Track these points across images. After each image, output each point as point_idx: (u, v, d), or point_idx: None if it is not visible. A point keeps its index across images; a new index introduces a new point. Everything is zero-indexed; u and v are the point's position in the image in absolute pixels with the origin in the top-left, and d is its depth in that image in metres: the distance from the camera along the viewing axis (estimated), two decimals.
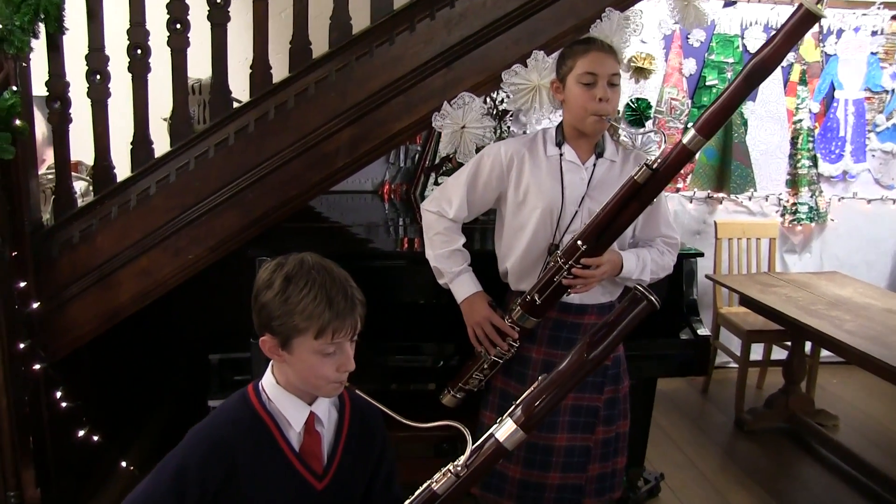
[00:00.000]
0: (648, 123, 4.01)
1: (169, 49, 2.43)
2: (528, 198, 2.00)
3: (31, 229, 2.41)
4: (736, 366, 3.82)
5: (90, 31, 2.40)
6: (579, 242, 1.88)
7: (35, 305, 2.29)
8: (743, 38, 4.05)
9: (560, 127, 2.04)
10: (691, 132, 1.78)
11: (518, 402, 1.35)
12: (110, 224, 2.47)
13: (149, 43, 2.43)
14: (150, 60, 2.45)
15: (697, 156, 4.05)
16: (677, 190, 4.16)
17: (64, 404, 2.40)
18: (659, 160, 1.80)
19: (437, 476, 1.33)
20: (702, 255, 2.68)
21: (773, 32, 1.71)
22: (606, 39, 2.53)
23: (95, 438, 2.48)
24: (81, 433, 2.43)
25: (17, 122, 2.27)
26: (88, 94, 2.44)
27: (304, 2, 2.46)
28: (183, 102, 2.48)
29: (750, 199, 4.23)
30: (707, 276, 3.76)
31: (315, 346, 1.31)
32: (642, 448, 2.87)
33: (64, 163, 2.47)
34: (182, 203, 2.49)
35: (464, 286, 2.05)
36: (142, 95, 2.46)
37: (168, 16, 2.40)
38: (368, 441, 1.49)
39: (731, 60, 4.05)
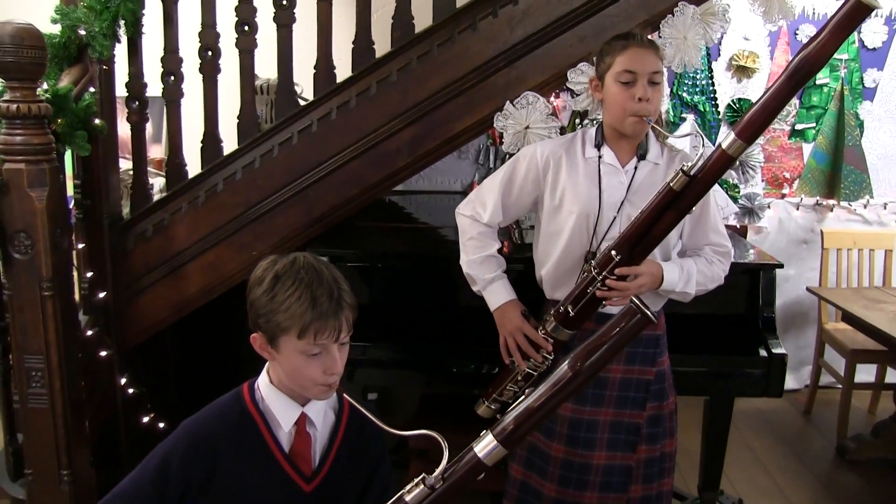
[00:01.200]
0: None
1: (237, 50, 2.50)
2: (564, 202, 1.90)
3: (110, 222, 2.55)
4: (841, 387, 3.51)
5: (165, 35, 2.50)
6: (613, 253, 1.76)
7: (102, 294, 2.41)
8: (860, 32, 3.72)
9: (601, 128, 1.92)
10: (731, 136, 1.63)
11: (504, 416, 1.28)
12: (181, 219, 2.57)
13: (219, 45, 2.50)
14: (220, 62, 2.53)
15: (805, 160, 3.78)
16: (783, 196, 3.88)
17: (131, 390, 2.52)
18: (697, 166, 1.66)
19: (409, 486, 1.28)
20: (781, 266, 2.46)
21: (822, 26, 1.53)
22: (679, 35, 2.41)
23: (161, 425, 2.58)
24: (146, 419, 2.54)
25: (97, 121, 2.40)
26: (163, 94, 2.54)
27: (367, 1, 2.46)
28: (250, 102, 2.55)
29: (865, 206, 3.88)
30: (808, 289, 3.48)
31: (299, 346, 1.29)
32: (718, 470, 2.67)
33: (140, 159, 2.59)
34: (247, 200, 2.55)
35: (496, 294, 1.96)
36: (212, 95, 2.54)
37: (236, 18, 2.46)
38: (363, 451, 1.45)
39: (845, 57, 3.73)
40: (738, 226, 3.80)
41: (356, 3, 2.46)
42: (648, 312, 1.26)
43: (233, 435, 1.37)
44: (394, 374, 2.48)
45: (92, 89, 2.38)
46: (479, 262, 1.98)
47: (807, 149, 3.84)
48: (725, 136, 1.64)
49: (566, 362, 1.29)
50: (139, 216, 2.59)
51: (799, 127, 3.81)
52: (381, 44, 2.51)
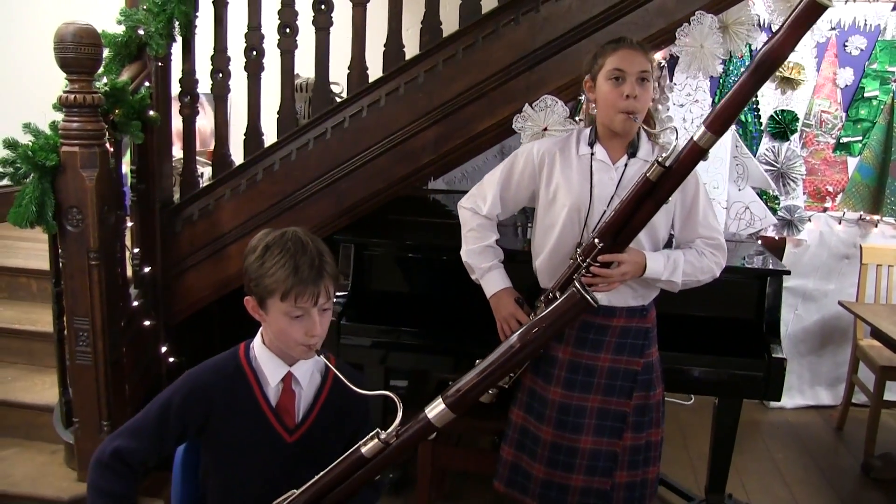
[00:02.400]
0: (794, 137, 3.75)
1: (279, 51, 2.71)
2: (558, 196, 2.01)
3: (161, 205, 2.79)
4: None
5: (216, 35, 2.73)
6: (596, 240, 1.87)
7: (147, 269, 2.66)
8: None
9: (595, 127, 2.03)
10: (701, 129, 1.72)
11: (454, 382, 1.41)
12: (224, 205, 2.80)
13: (263, 45, 2.72)
14: (263, 61, 2.75)
15: (850, 173, 3.75)
16: (825, 209, 3.84)
17: (172, 359, 2.76)
18: (672, 157, 1.75)
19: (365, 440, 1.42)
20: (788, 272, 2.51)
21: (782, 23, 1.61)
22: (696, 44, 2.49)
23: None
24: None
25: (151, 113, 2.66)
26: (211, 90, 2.78)
27: (399, 7, 2.63)
28: (290, 98, 2.75)
29: None
30: (840, 304, 3.45)
31: (283, 308, 1.46)
32: (724, 472, 2.70)
33: (190, 149, 2.83)
34: (283, 190, 2.75)
35: (492, 282, 2.10)
36: (255, 92, 2.75)
37: (279, 21, 2.67)
38: (346, 412, 1.60)
39: None
40: (776, 237, 3.79)
41: (388, 7, 2.63)
42: (589, 298, 1.38)
43: (226, 386, 1.54)
44: (424, 358, 2.64)
45: (147, 84, 2.63)
46: (478, 252, 2.11)
47: (852, 163, 3.79)
48: (697, 129, 1.73)
49: (516, 335, 1.43)
50: (187, 201, 2.82)
51: (844, 140, 3.77)
52: (413, 48, 2.67)
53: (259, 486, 1.53)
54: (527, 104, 2.54)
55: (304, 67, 2.84)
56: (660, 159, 1.76)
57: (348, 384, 1.47)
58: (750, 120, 3.72)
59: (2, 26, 3.96)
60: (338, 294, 2.65)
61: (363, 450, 1.43)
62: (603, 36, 2.48)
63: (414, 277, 2.73)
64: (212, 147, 3.03)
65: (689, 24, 2.44)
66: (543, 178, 2.05)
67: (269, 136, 2.82)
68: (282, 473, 1.52)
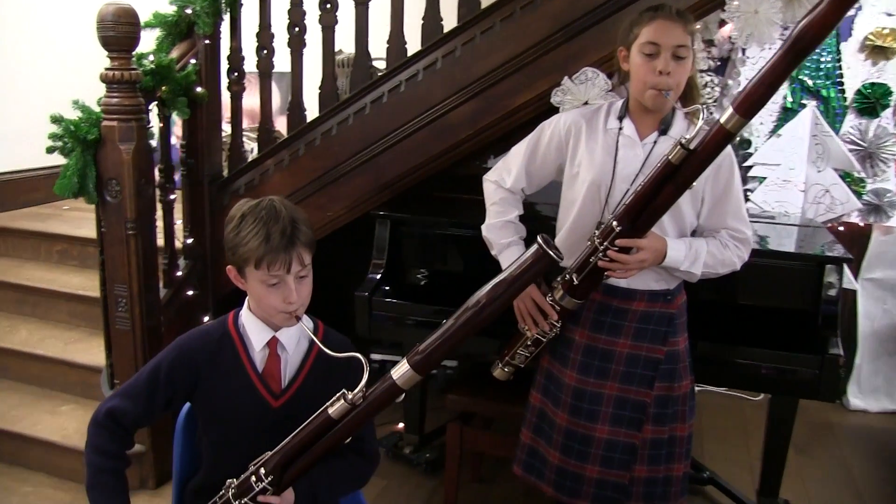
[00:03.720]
0: (886, 113, 3.44)
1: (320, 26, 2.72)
2: (581, 171, 1.91)
3: (209, 180, 2.88)
4: None
5: (261, 12, 2.78)
6: (614, 223, 1.76)
7: (190, 241, 2.74)
8: None
9: (627, 100, 1.92)
10: (729, 111, 1.58)
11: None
12: (268, 179, 2.85)
13: (305, 22, 2.74)
14: (306, 37, 2.77)
15: None
16: None
17: None
18: (696, 139, 1.62)
19: (332, 400, 1.42)
20: (850, 259, 2.29)
21: None
22: (749, 9, 2.31)
23: None
24: None
25: (198, 89, 2.73)
26: (257, 66, 2.82)
27: None
28: (330, 74, 2.76)
29: None
30: None
31: (258, 276, 1.47)
32: (777, 476, 2.52)
33: (237, 125, 2.89)
34: (324, 165, 2.78)
35: (510, 259, 1.98)
36: (297, 67, 2.78)
37: None
38: (333, 378, 1.58)
39: None
40: (860, 224, 3.50)
41: None
42: (552, 253, 1.33)
43: (213, 351, 1.57)
44: (474, 340, 2.56)
45: (193, 61, 2.70)
46: (499, 226, 2.04)
47: None
48: (724, 111, 1.60)
49: (483, 291, 1.38)
50: (234, 175, 2.89)
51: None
52: (452, 21, 2.61)
53: (247, 449, 1.55)
54: (566, 77, 2.44)
55: (348, 43, 2.83)
56: (683, 140, 1.64)
57: (317, 342, 1.48)
58: (833, 95, 3.44)
59: (59, 5, 4.11)
60: (371, 270, 2.65)
61: (330, 411, 1.42)
62: (646, 4, 2.34)
63: (451, 255, 2.69)
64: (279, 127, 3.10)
65: None
66: (569, 150, 1.96)
67: (314, 112, 2.84)
68: (269, 437, 1.53)
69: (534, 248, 1.37)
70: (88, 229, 3.30)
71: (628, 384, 1.93)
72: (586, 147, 1.92)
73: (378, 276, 2.64)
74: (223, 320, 1.62)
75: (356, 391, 1.41)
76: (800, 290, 2.35)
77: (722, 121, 1.61)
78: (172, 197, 2.69)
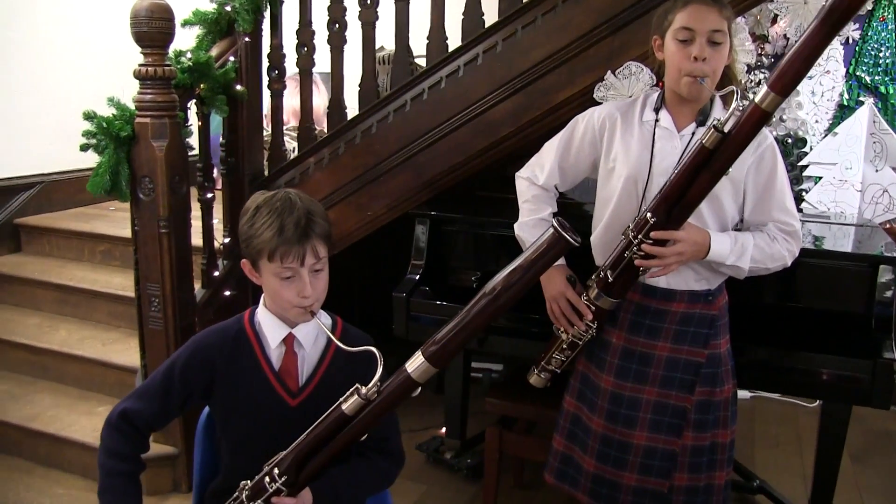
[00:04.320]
0: None
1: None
2: (616, 165, 1.83)
3: (250, 178, 2.86)
4: None
5: (301, 9, 2.75)
6: (648, 215, 1.68)
7: (227, 240, 2.73)
8: None
9: (663, 91, 1.83)
10: (763, 89, 1.49)
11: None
12: (308, 178, 2.82)
13: (346, 18, 2.71)
14: (348, 34, 2.73)
15: None
16: None
17: None
18: (731, 122, 1.54)
19: (345, 396, 1.38)
20: None
21: None
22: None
23: None
24: None
25: (238, 87, 2.72)
26: (297, 64, 2.80)
27: None
28: (371, 71, 2.73)
29: None
30: None
31: (272, 269, 1.43)
32: (830, 486, 2.40)
33: (278, 123, 2.87)
34: (364, 163, 2.73)
35: None
36: (338, 65, 2.75)
37: None
38: (352, 376, 1.53)
39: None
40: None
41: None
42: (568, 237, 1.27)
43: (229, 349, 1.53)
44: (499, 340, 2.48)
45: (233, 59, 2.68)
46: (532, 225, 1.96)
47: None
48: (759, 90, 1.51)
49: (498, 278, 1.32)
50: (275, 174, 2.87)
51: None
52: (493, 16, 2.55)
53: (265, 449, 1.50)
54: (609, 72, 2.36)
55: (389, 40, 2.79)
56: (717, 123, 1.55)
57: (330, 335, 1.44)
58: (892, 91, 3.29)
59: (96, 3, 4.11)
60: (410, 271, 2.60)
61: (344, 407, 1.38)
62: None
63: (493, 255, 2.62)
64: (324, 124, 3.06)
65: None
66: (604, 145, 1.88)
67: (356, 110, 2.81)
68: (287, 437, 1.48)
69: (548, 231, 1.32)
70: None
71: (668, 388, 1.84)
72: (622, 140, 1.84)
73: (417, 277, 2.59)
74: (239, 317, 1.59)
75: (370, 385, 1.37)
76: (852, 292, 2.23)
77: (757, 100, 1.53)
78: (210, 196, 2.67)
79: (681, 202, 1.65)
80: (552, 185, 1.97)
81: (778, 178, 1.77)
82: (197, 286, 2.65)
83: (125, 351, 2.81)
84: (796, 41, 1.45)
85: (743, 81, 1.99)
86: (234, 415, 1.53)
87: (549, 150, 1.97)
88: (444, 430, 3.00)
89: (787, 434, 3.30)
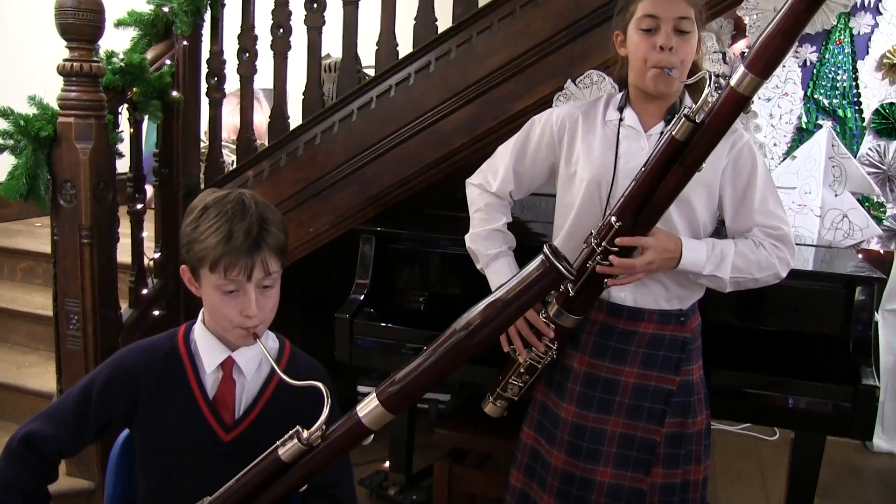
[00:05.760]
0: None
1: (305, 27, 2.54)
2: (578, 169, 1.68)
3: (185, 192, 2.66)
4: None
5: (243, 12, 2.60)
6: (613, 219, 1.53)
7: (157, 255, 2.52)
8: None
9: (627, 89, 1.70)
10: (740, 70, 1.36)
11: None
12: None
13: (290, 23, 2.56)
14: (292, 40, 2.58)
15: None
16: None
17: None
18: (704, 111, 1.41)
19: (283, 440, 1.18)
20: (884, 279, 2.06)
21: None
22: (768, 6, 2.16)
23: None
24: None
25: (174, 94, 2.54)
26: (238, 71, 2.63)
27: None
28: (316, 79, 2.58)
29: None
30: None
31: (213, 280, 1.24)
32: None
33: (216, 134, 2.69)
34: (307, 176, 2.57)
35: (499, 273, 1.75)
36: (281, 72, 2.60)
37: None
38: (295, 412, 1.34)
39: None
40: (881, 251, 3.28)
41: None
42: (561, 267, 1.08)
43: (156, 369, 1.33)
44: (471, 369, 2.26)
45: (168, 62, 2.51)
46: (484, 235, 1.80)
47: None
48: (735, 72, 1.38)
49: (475, 311, 1.13)
50: (211, 187, 2.67)
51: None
52: (447, 21, 2.43)
53: (190, 490, 1.29)
54: (569, 80, 2.26)
55: (337, 48, 2.65)
56: (689, 112, 1.42)
57: (274, 366, 1.24)
58: (849, 115, 3.25)
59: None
60: (354, 290, 2.42)
61: (280, 452, 1.17)
62: None
63: (441, 275, 2.46)
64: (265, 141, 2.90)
65: None
66: (564, 148, 1.72)
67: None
68: (216, 477, 1.27)
69: (538, 259, 1.10)
70: None
71: (635, 419, 1.66)
72: (583, 142, 1.69)
73: (361, 297, 2.41)
74: (172, 334, 1.38)
75: (313, 429, 1.16)
76: (828, 314, 2.11)
77: (733, 83, 1.39)
78: (140, 207, 2.46)
79: (649, 203, 1.50)
80: (507, 192, 1.80)
81: (759, 179, 1.63)
82: (124, 306, 2.45)
83: (42, 375, 2.56)
84: (775, 16, 1.32)
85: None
86: (156, 446, 1.33)
87: (503, 154, 1.81)
88: (387, 464, 2.80)
89: (750, 468, 3.17)
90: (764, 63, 1.33)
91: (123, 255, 2.42)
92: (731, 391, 2.04)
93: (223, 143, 2.82)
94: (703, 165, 1.47)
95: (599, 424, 1.68)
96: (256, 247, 1.23)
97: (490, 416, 1.85)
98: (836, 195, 3.22)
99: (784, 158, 3.30)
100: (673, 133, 1.43)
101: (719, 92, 1.44)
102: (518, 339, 1.71)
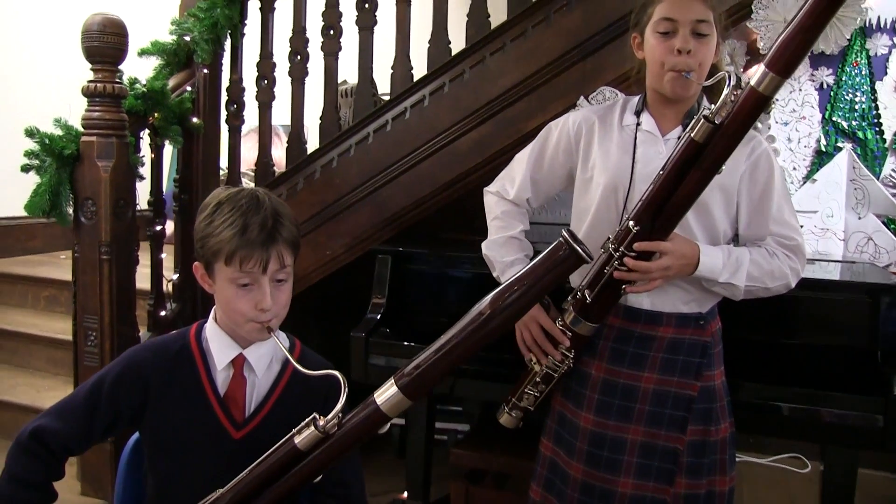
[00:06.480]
0: None
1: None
2: (594, 174, 1.67)
3: None
4: None
5: (262, 41, 2.67)
6: (631, 224, 1.50)
7: (175, 276, 2.55)
8: None
9: (645, 93, 1.70)
10: (761, 69, 1.34)
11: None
12: None
13: (307, 49, 2.62)
14: (310, 66, 2.64)
15: None
16: None
17: None
18: (723, 112, 1.39)
19: (299, 428, 1.17)
20: None
21: None
22: (777, 17, 2.17)
23: None
24: None
25: (194, 120, 2.60)
26: (256, 97, 2.69)
27: (444, 1, 2.46)
28: (332, 103, 2.62)
29: None
30: None
31: (228, 274, 1.25)
32: None
33: (235, 159, 2.74)
34: (323, 199, 2.59)
35: None
36: (299, 97, 2.65)
37: (323, 23, 2.56)
38: (305, 410, 1.34)
39: None
40: None
41: (433, 2, 2.46)
42: (580, 250, 1.08)
43: (167, 366, 1.33)
44: (467, 384, 2.24)
45: (189, 88, 2.57)
46: (501, 243, 1.78)
47: None
48: (755, 71, 1.37)
49: (487, 299, 1.13)
50: None
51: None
52: (461, 44, 2.47)
53: (199, 487, 1.28)
54: (582, 97, 2.27)
55: (353, 74, 2.70)
56: (708, 113, 1.41)
57: (287, 354, 1.25)
58: (870, 136, 3.22)
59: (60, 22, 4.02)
60: (370, 310, 2.41)
61: (297, 440, 1.17)
62: None
63: (459, 294, 2.44)
64: None
65: None
66: (580, 152, 1.71)
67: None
68: (226, 474, 1.27)
69: (556, 243, 1.11)
70: None
71: (656, 427, 1.61)
72: (600, 147, 1.68)
73: (378, 317, 2.40)
74: (184, 332, 1.39)
75: (330, 417, 1.16)
76: (855, 325, 2.06)
77: (753, 83, 1.36)
78: (160, 228, 2.50)
79: (667, 207, 1.47)
80: (524, 199, 1.79)
81: (775, 188, 1.61)
82: (143, 330, 2.47)
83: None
84: (796, 13, 1.31)
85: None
86: (166, 444, 1.32)
87: (520, 162, 1.80)
88: (405, 493, 2.75)
89: (780, 499, 3.07)
90: (784, 61, 1.31)
91: (143, 282, 2.46)
92: (758, 405, 1.97)
93: (242, 171, 2.86)
94: (723, 168, 1.45)
95: (619, 433, 1.63)
96: (272, 239, 1.24)
97: (507, 435, 1.81)
98: (859, 218, 3.18)
99: (804, 182, 3.28)
100: (692, 135, 1.41)
101: (739, 92, 1.43)
102: (536, 348, 1.68)
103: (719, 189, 1.58)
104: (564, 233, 1.10)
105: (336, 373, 1.19)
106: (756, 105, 1.39)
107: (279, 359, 1.37)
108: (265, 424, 1.32)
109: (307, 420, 1.18)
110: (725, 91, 1.41)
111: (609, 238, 1.56)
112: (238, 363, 1.33)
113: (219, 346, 1.33)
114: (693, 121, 1.44)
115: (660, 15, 1.58)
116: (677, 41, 1.54)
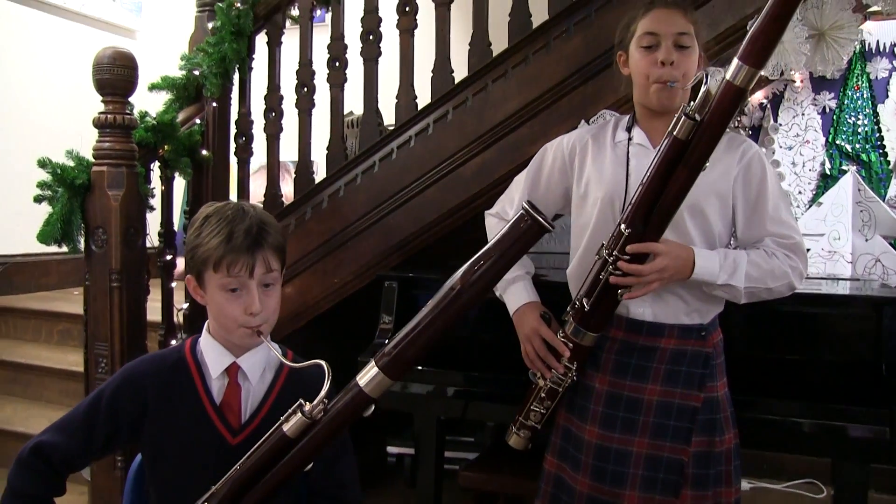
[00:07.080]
0: None
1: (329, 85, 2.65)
2: (590, 189, 1.70)
3: None
4: None
5: (269, 74, 2.73)
6: (623, 227, 1.53)
7: (185, 305, 2.57)
8: None
9: (634, 111, 1.74)
10: (734, 63, 1.38)
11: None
12: None
13: (314, 82, 2.68)
14: (317, 98, 2.70)
15: None
16: None
17: None
18: (705, 107, 1.43)
19: (286, 415, 1.20)
20: None
21: None
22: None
23: None
24: None
25: (203, 152, 2.65)
26: (264, 129, 2.74)
27: (446, 31, 2.51)
28: (339, 133, 2.67)
29: None
30: None
31: (217, 281, 1.30)
32: None
33: (243, 193, 2.78)
34: (331, 228, 2.63)
35: (516, 295, 1.76)
36: (306, 128, 2.70)
37: (328, 55, 2.62)
38: None
39: None
40: None
41: (435, 32, 2.52)
42: (542, 219, 1.12)
43: (164, 377, 1.37)
44: (477, 406, 2.25)
45: (198, 121, 2.63)
46: None
47: None
48: (729, 66, 1.40)
49: (457, 274, 1.17)
50: None
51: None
52: (463, 73, 2.52)
53: (197, 494, 1.30)
54: (583, 121, 2.31)
55: (359, 105, 2.75)
56: (688, 111, 1.44)
57: (279, 355, 1.30)
58: (874, 159, 3.24)
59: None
60: (378, 335, 2.43)
61: (285, 427, 1.20)
62: None
63: (466, 318, 2.45)
64: None
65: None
66: (575, 171, 1.75)
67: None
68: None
69: (518, 214, 1.18)
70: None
71: (660, 439, 1.62)
72: (594, 163, 1.71)
73: (385, 341, 2.40)
74: (180, 345, 1.44)
75: (316, 402, 1.20)
76: (858, 338, 2.06)
77: (728, 76, 1.41)
78: (170, 258, 2.53)
79: (657, 208, 1.50)
80: None
81: (769, 188, 1.63)
82: None
83: None
84: (766, 4, 1.35)
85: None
86: (165, 454, 1.35)
87: (518, 183, 1.85)
88: None
89: None
90: (757, 53, 1.36)
91: (154, 315, 2.49)
92: (765, 420, 1.96)
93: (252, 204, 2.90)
94: (707, 165, 1.48)
95: (624, 445, 1.63)
96: (257, 244, 1.29)
97: (516, 455, 1.81)
98: (866, 240, 3.19)
99: (809, 206, 3.29)
100: (675, 133, 1.45)
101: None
102: (539, 362, 1.69)
103: (714, 193, 1.62)
104: (525, 204, 1.17)
105: (321, 362, 1.24)
106: (734, 98, 1.43)
107: (272, 367, 1.41)
108: (261, 429, 1.34)
109: (294, 407, 1.21)
110: (703, 88, 1.45)
111: (603, 245, 1.59)
112: (232, 371, 1.37)
113: (213, 356, 1.37)
114: (674, 119, 1.48)
115: (643, 30, 1.64)
116: (660, 53, 1.60)
